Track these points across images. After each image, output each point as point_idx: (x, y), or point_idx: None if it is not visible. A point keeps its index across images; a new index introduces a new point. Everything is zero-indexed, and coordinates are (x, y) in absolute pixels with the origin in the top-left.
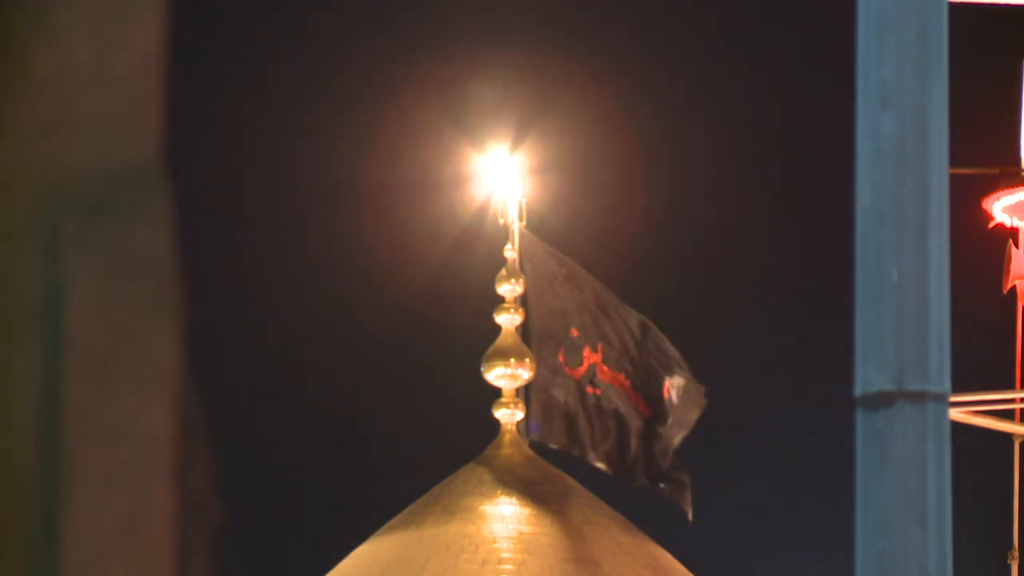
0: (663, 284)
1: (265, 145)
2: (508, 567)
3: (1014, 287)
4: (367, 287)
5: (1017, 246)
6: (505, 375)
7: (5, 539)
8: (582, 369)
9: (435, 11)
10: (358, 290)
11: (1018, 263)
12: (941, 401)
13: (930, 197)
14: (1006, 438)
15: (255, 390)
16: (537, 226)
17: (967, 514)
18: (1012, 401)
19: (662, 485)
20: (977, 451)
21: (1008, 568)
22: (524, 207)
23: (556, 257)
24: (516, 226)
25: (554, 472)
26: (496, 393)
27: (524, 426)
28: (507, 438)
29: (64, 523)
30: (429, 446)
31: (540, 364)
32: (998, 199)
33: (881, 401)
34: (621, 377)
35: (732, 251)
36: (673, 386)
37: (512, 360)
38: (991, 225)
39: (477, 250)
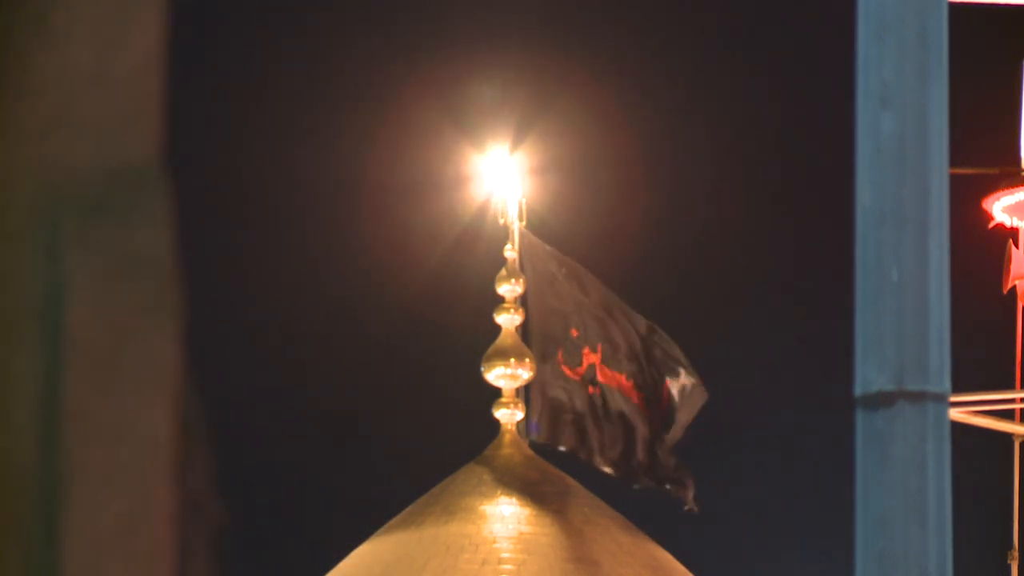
0: (663, 284)
1: (265, 145)
2: (508, 567)
3: (1014, 287)
4: (367, 287)
5: (1017, 246)
6: (505, 375)
7: (5, 539)
8: (581, 369)
9: (435, 11)
10: (358, 290)
11: (1018, 263)
12: (941, 401)
13: (930, 197)
14: (1006, 438)
15: (255, 390)
16: (537, 226)
17: (967, 514)
18: (1012, 401)
19: (668, 487)
20: (977, 451)
21: (1008, 568)
22: (524, 207)
23: (556, 257)
24: (516, 226)
25: (554, 472)
26: (496, 393)
27: (524, 426)
28: (507, 438)
29: (64, 523)
30: (429, 446)
31: (540, 364)
32: (998, 199)
33: (881, 401)
34: (622, 378)
35: (732, 251)
36: (676, 386)
37: (512, 360)
38: (991, 225)
39: (477, 250)
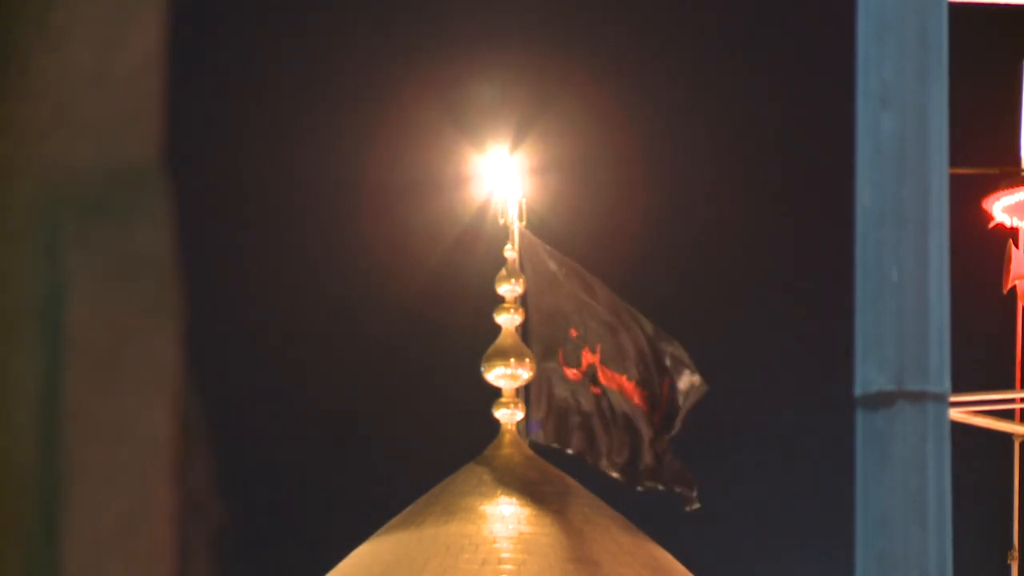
0: (663, 284)
1: (265, 145)
2: (508, 567)
3: (1014, 287)
4: (367, 287)
5: (1017, 246)
6: (505, 375)
7: (5, 539)
8: (581, 369)
9: (435, 11)
10: (358, 290)
11: (1018, 263)
12: (941, 401)
13: (930, 197)
14: (1006, 438)
15: (255, 390)
16: (537, 226)
17: (967, 514)
18: (1012, 401)
19: (676, 489)
20: (977, 451)
21: (1008, 568)
22: (524, 207)
23: (556, 257)
24: (516, 226)
25: (554, 472)
26: (496, 393)
27: (524, 426)
28: (507, 438)
29: (64, 523)
30: (429, 446)
31: (540, 365)
32: (998, 199)
33: (881, 401)
34: (623, 379)
35: (732, 251)
36: (682, 386)
37: (512, 360)
38: (991, 225)
39: (477, 250)
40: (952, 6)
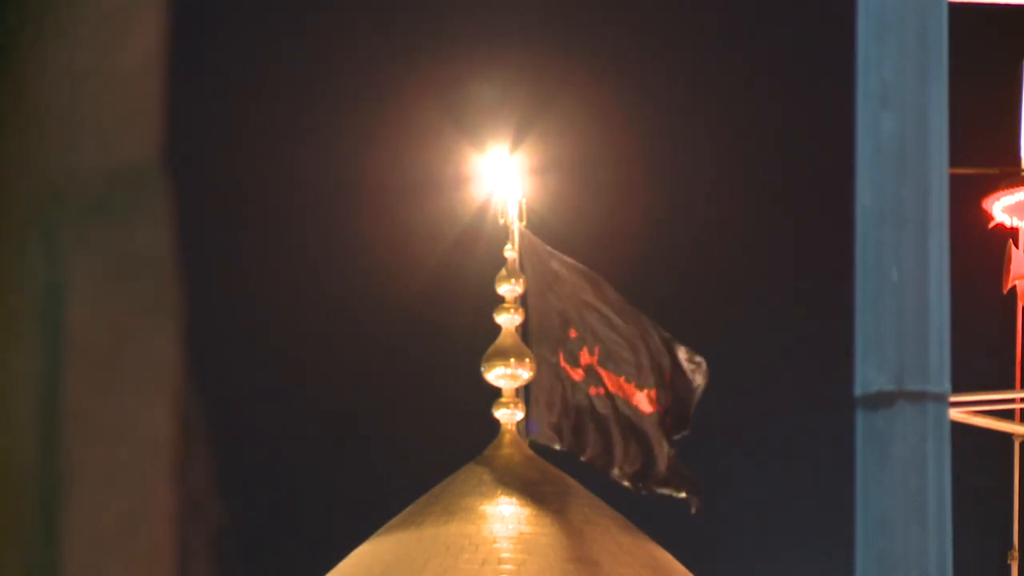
0: (663, 284)
1: (265, 145)
2: (508, 567)
3: (1014, 287)
4: (367, 287)
5: (1017, 246)
6: (505, 375)
7: (5, 539)
8: (581, 370)
9: (435, 11)
10: (358, 290)
11: (1018, 263)
12: (941, 401)
13: (930, 197)
14: (1006, 438)
15: (255, 390)
16: (537, 226)
17: (967, 514)
18: (1012, 401)
19: (684, 494)
20: (977, 451)
21: (1008, 568)
22: (524, 207)
23: (556, 257)
24: (516, 226)
25: (554, 472)
26: (496, 393)
27: (524, 426)
28: (507, 438)
29: (64, 523)
30: (429, 446)
31: (540, 365)
32: (998, 199)
33: (881, 401)
34: (621, 380)
35: (732, 251)
36: (687, 385)
37: (512, 360)
38: (991, 225)
39: (477, 250)
40: (952, 6)
